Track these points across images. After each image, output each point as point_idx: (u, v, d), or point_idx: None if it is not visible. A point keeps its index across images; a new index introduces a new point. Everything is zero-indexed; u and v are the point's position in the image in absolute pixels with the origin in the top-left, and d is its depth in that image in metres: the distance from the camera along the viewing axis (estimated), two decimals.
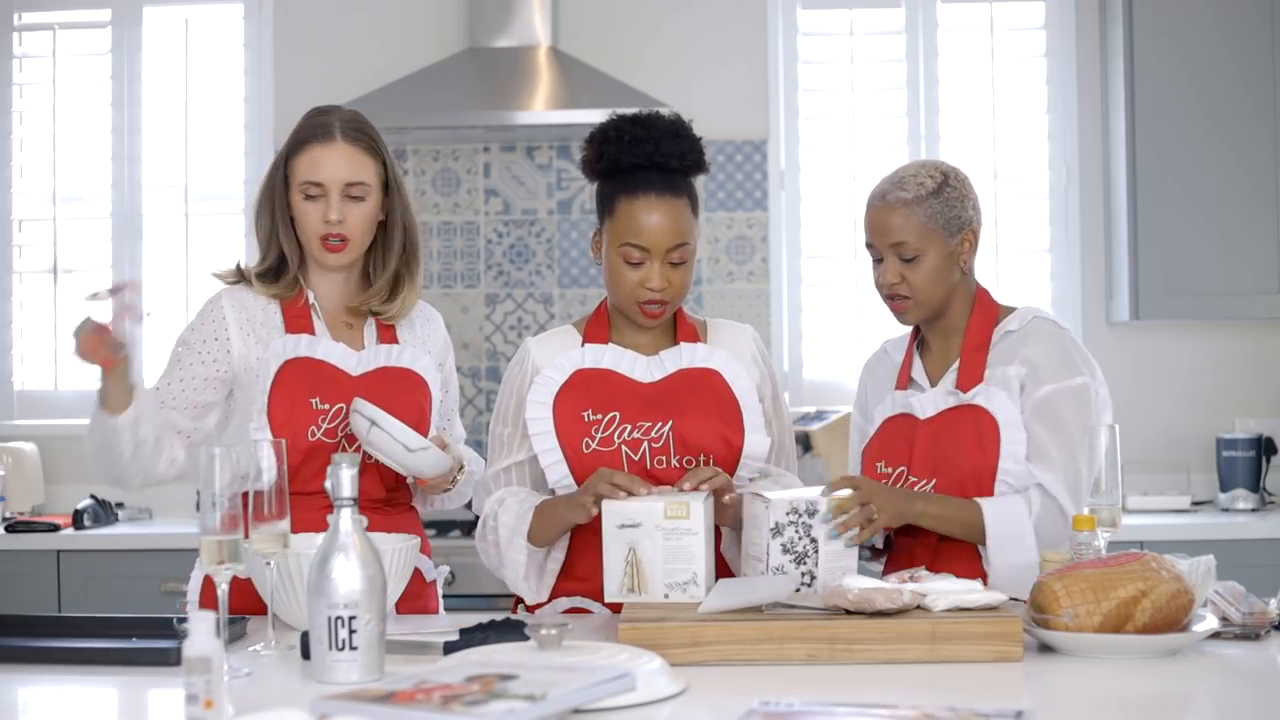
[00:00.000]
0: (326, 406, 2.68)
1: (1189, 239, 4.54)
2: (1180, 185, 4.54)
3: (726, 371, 2.69)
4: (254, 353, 2.73)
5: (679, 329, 2.75)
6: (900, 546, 2.70)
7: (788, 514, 2.41)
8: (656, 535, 2.42)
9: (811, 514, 2.40)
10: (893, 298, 2.68)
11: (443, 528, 4.26)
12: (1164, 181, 4.55)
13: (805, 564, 2.40)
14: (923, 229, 2.64)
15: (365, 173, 2.71)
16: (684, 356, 2.69)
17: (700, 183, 2.71)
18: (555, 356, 2.71)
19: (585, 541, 2.65)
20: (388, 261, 2.79)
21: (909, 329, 2.82)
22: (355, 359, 2.74)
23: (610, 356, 2.69)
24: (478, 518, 2.76)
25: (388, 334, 2.81)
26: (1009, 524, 2.55)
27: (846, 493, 2.43)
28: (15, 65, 4.99)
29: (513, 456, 2.72)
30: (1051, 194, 4.89)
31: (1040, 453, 2.59)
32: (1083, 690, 2.01)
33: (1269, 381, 4.81)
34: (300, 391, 2.68)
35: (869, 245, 2.70)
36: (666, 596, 2.42)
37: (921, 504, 2.56)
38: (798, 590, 2.34)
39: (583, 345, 2.72)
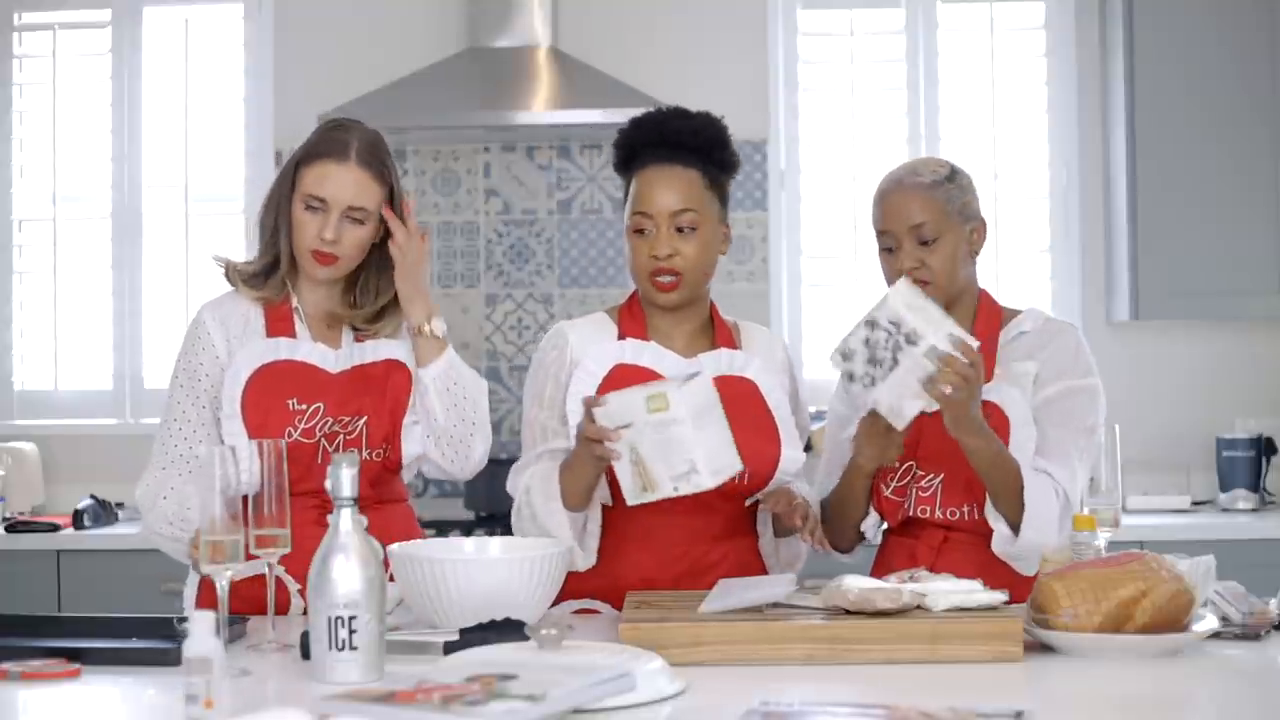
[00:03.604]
0: (304, 406, 2.66)
1: (1189, 239, 4.54)
2: (1180, 185, 4.54)
3: (762, 382, 2.67)
4: (239, 353, 2.70)
5: (716, 331, 2.74)
6: (900, 546, 2.70)
7: (890, 321, 2.45)
8: (647, 431, 2.41)
9: (910, 341, 2.43)
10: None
11: (443, 528, 4.26)
12: (1164, 181, 4.55)
13: (876, 370, 2.46)
14: (941, 212, 2.64)
15: (369, 199, 2.68)
16: (722, 362, 2.67)
17: (700, 173, 2.68)
18: (592, 345, 2.68)
19: (600, 543, 2.64)
20: (381, 286, 2.77)
21: None
22: (334, 357, 2.73)
23: (650, 355, 2.67)
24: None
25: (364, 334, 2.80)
26: (1044, 506, 2.53)
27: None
28: (15, 65, 4.99)
29: (550, 443, 2.68)
30: (1051, 194, 4.89)
31: (1053, 448, 2.59)
32: (1083, 690, 2.01)
33: (1269, 381, 4.81)
34: (275, 394, 2.66)
35: (881, 233, 2.68)
36: (676, 490, 2.43)
37: (982, 440, 2.51)
38: (798, 589, 2.33)
39: (620, 338, 2.70)
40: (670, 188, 2.63)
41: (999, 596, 2.23)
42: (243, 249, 4.91)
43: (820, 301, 4.92)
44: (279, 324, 2.73)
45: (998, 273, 4.81)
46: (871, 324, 2.47)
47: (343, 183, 2.66)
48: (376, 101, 4.54)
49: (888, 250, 2.68)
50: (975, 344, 2.46)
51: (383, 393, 2.73)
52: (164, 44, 4.99)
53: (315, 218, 2.67)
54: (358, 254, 2.72)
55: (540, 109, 4.53)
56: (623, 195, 2.74)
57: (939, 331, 2.44)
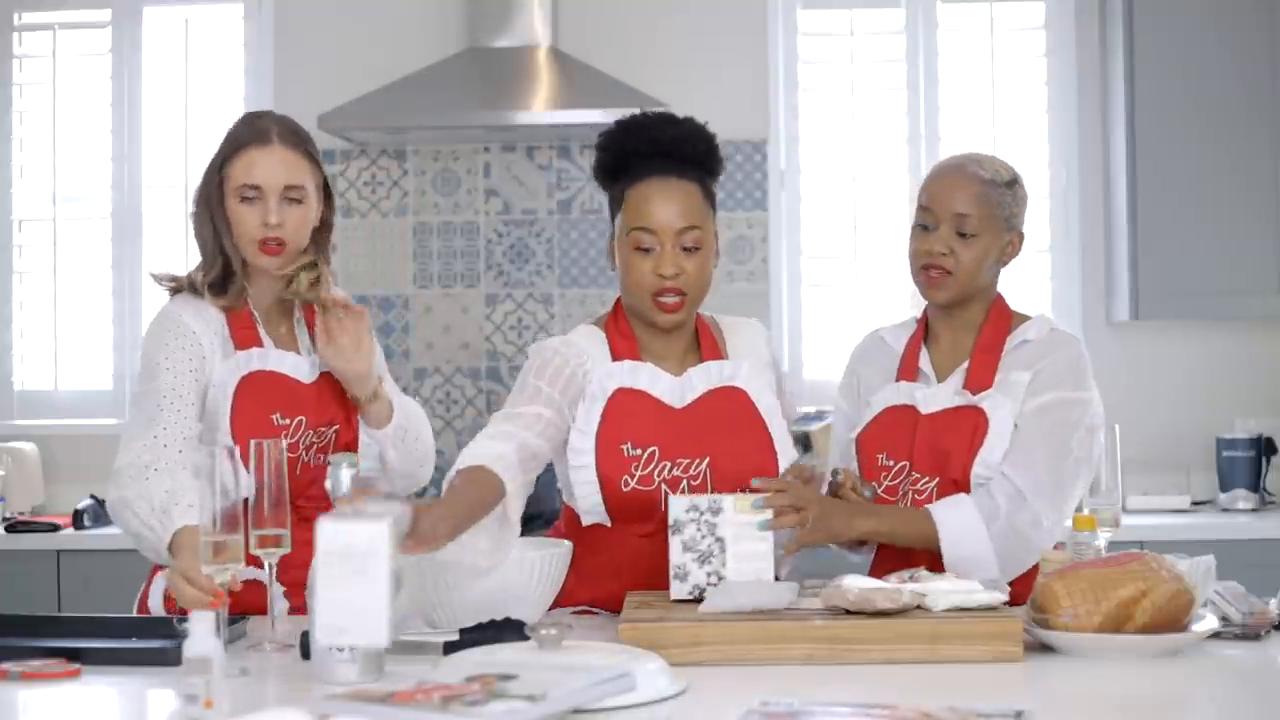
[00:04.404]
0: (288, 421, 2.66)
1: (1189, 239, 4.54)
2: (1180, 185, 4.54)
3: (751, 388, 2.65)
4: (217, 367, 2.67)
5: (702, 341, 2.70)
6: (895, 551, 2.69)
7: (687, 511, 2.35)
8: None
9: (716, 512, 2.34)
10: (931, 268, 2.62)
11: None
12: (1164, 181, 4.55)
13: (710, 564, 2.34)
14: (989, 211, 2.62)
15: (303, 177, 2.68)
16: (712, 375, 2.65)
17: (698, 186, 2.67)
18: (597, 365, 2.62)
19: (590, 545, 2.64)
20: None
21: (903, 320, 2.82)
22: (306, 367, 2.72)
23: (646, 377, 2.62)
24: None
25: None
26: (967, 545, 2.52)
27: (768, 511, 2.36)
28: (15, 65, 4.99)
29: (540, 408, 2.58)
30: (1051, 194, 4.89)
31: (1020, 455, 2.56)
32: (1083, 690, 2.01)
33: (1269, 381, 4.81)
34: (261, 409, 2.65)
35: (923, 209, 2.64)
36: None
37: (869, 522, 2.52)
38: (801, 592, 2.33)
39: (613, 359, 2.64)
40: (674, 202, 2.57)
41: (999, 596, 2.23)
42: None
43: (820, 301, 4.92)
44: (244, 333, 2.70)
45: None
46: (676, 529, 2.35)
47: (272, 165, 2.65)
48: (376, 101, 4.54)
49: (923, 228, 2.64)
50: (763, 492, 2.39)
51: (345, 401, 2.74)
52: (164, 44, 4.99)
53: (253, 208, 2.65)
54: (303, 237, 2.69)
55: (540, 109, 4.53)
56: (610, 204, 2.68)
57: (728, 496, 2.37)
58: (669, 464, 2.58)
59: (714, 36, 4.88)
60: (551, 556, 2.34)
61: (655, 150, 2.60)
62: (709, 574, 2.34)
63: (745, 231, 4.86)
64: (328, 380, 2.73)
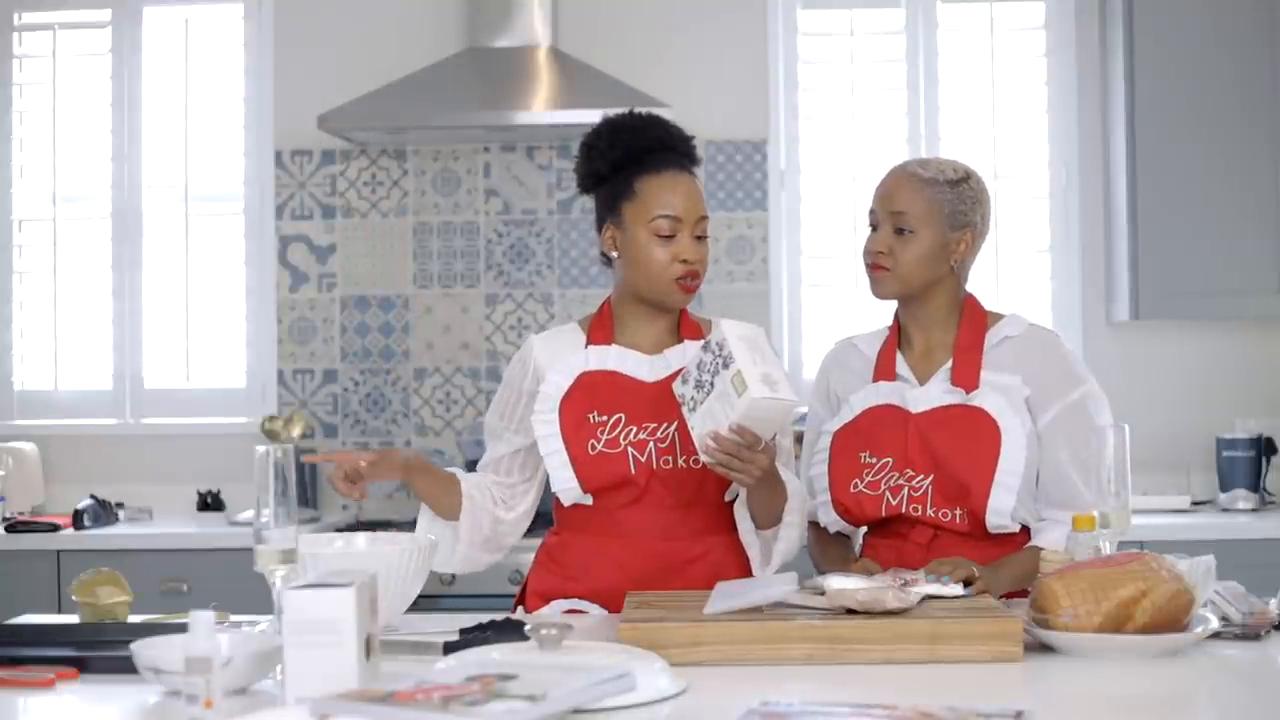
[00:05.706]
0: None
1: (1189, 239, 4.54)
2: (1180, 185, 4.54)
3: None
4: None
5: (682, 326, 2.76)
6: (886, 547, 2.69)
7: (717, 343, 2.45)
8: None
9: (726, 365, 2.42)
10: (874, 266, 2.72)
11: None
12: (1164, 181, 4.55)
13: (698, 394, 2.46)
14: (927, 209, 2.67)
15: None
16: (688, 354, 2.68)
17: (700, 181, 2.74)
18: (558, 360, 2.71)
19: (581, 542, 2.66)
20: None
21: (877, 328, 2.86)
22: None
23: (614, 358, 2.70)
24: None
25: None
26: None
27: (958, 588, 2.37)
28: (15, 65, 4.99)
29: (504, 448, 2.78)
30: (1051, 194, 4.89)
31: (1064, 490, 2.63)
32: (1083, 690, 2.01)
33: (1269, 381, 4.81)
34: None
35: (871, 211, 2.75)
36: None
37: (1005, 579, 2.57)
38: (800, 589, 2.32)
39: (586, 347, 2.72)
40: (693, 194, 2.68)
41: (990, 601, 2.24)
42: (242, 249, 4.92)
43: (820, 301, 4.92)
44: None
45: (998, 273, 4.81)
46: (705, 345, 2.49)
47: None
48: (376, 101, 4.54)
49: (872, 228, 2.75)
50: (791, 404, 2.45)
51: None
52: (164, 44, 5.00)
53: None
54: None
55: (540, 109, 4.53)
56: (608, 196, 2.71)
57: (753, 370, 2.41)
58: (635, 428, 2.64)
59: (714, 36, 4.88)
60: (408, 551, 2.33)
61: (665, 145, 2.70)
62: (694, 397, 2.48)
63: (745, 231, 4.87)
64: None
